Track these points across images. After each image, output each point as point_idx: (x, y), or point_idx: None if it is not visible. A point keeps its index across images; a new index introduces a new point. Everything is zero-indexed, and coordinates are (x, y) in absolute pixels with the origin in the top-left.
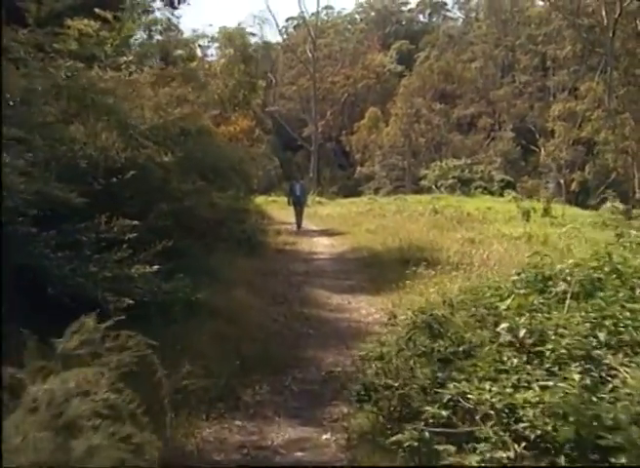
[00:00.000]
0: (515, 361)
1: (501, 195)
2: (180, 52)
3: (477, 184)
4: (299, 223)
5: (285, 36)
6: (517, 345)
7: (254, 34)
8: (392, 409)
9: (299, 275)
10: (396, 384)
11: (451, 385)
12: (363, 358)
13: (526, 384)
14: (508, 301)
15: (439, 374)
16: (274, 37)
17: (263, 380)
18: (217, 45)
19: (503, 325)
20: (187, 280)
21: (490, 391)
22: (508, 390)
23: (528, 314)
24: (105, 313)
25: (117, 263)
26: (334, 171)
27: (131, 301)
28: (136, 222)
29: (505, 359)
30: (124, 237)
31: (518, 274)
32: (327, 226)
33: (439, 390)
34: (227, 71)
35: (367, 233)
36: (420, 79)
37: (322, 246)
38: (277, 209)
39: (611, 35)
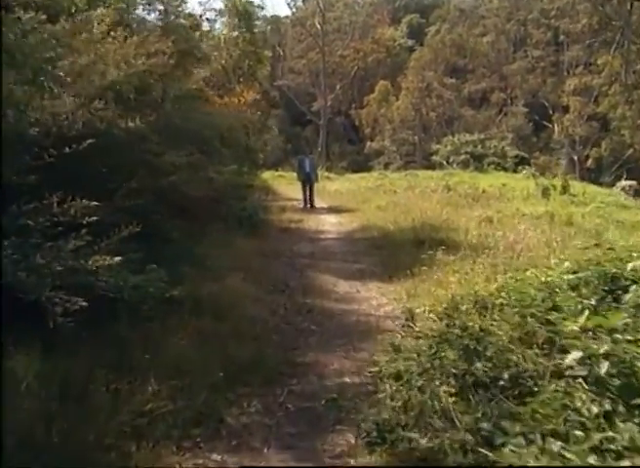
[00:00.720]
0: (594, 409)
1: (515, 171)
2: (181, 21)
3: (490, 160)
4: (311, 201)
5: (294, 9)
6: (596, 385)
7: (262, 7)
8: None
9: (303, 257)
10: (420, 434)
11: (505, 449)
12: (376, 375)
13: (613, 447)
14: (581, 320)
15: (483, 424)
16: (283, 11)
17: (253, 395)
18: (224, 19)
19: (575, 354)
20: (163, 271)
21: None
22: (593, 460)
23: (608, 337)
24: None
25: (72, 253)
26: (343, 146)
27: (84, 303)
28: (95, 203)
29: (579, 404)
30: (83, 221)
31: (574, 272)
32: (335, 203)
33: (486, 452)
34: (232, 41)
35: (377, 210)
36: (431, 52)
37: (329, 224)
38: (284, 184)
39: (629, 7)
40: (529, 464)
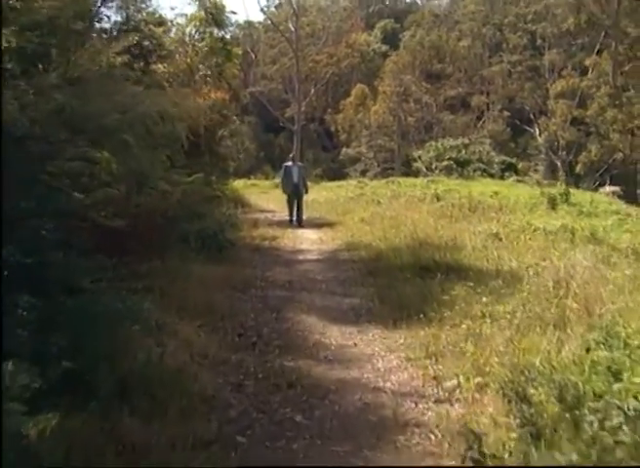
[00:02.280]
0: None
1: (502, 178)
2: (143, 15)
3: (476, 166)
4: (298, 217)
5: (268, 14)
6: None
7: (235, 12)
8: None
9: (279, 288)
10: None
11: None
12: None
13: None
14: None
15: None
16: (256, 17)
17: None
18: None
19: None
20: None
21: None
22: None
23: None
24: None
25: None
26: (317, 153)
27: None
28: None
29: None
30: None
31: None
32: (313, 215)
33: None
34: (198, 36)
35: (361, 224)
36: (409, 54)
37: (308, 241)
38: (257, 193)
39: (616, 6)
40: None
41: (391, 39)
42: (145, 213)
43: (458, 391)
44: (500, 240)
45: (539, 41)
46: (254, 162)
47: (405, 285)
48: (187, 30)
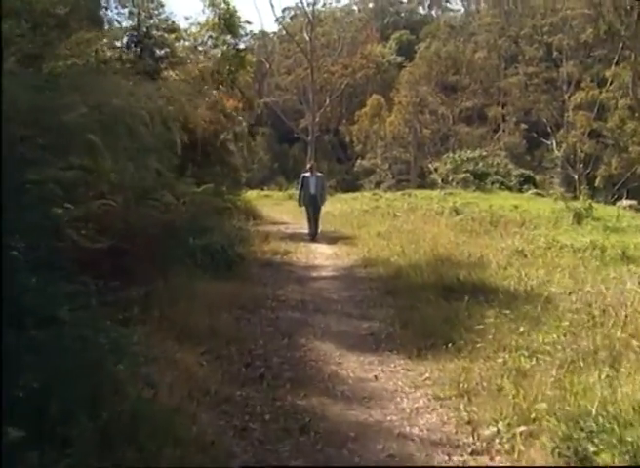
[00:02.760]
0: None
1: (520, 191)
2: (155, 21)
3: (494, 179)
4: (313, 231)
5: (282, 25)
6: None
7: (249, 22)
8: None
9: (291, 309)
10: None
11: None
12: None
13: None
14: None
15: None
16: (271, 28)
17: None
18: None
19: None
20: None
21: None
22: None
23: None
24: None
25: None
26: (331, 164)
27: None
28: None
29: None
30: None
31: None
32: (327, 228)
33: None
34: (211, 42)
35: (378, 238)
36: (425, 65)
37: (323, 256)
38: (270, 204)
39: (636, 17)
40: None
41: (406, 50)
42: (145, 227)
43: (497, 441)
44: (526, 257)
45: (555, 53)
46: (267, 173)
47: (428, 307)
48: (200, 37)
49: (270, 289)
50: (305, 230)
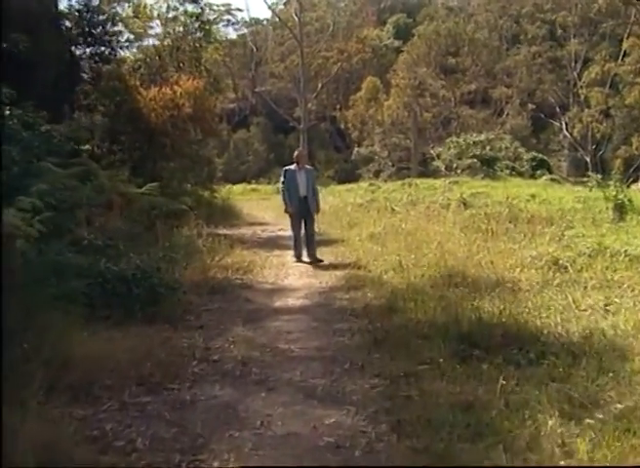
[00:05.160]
0: None
1: (533, 177)
2: None
3: (503, 164)
4: (299, 252)
5: (275, 10)
6: None
7: (240, 10)
8: None
9: (220, 378)
10: None
11: None
12: None
13: None
14: None
15: None
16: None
17: None
18: None
19: None
20: None
21: None
22: None
23: None
24: None
25: None
26: (329, 153)
27: None
28: None
29: None
30: None
31: None
32: None
33: None
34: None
35: (370, 242)
36: (425, 44)
37: (297, 271)
38: (256, 199)
39: None
40: None
41: (404, 34)
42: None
43: None
44: (566, 270)
45: (559, 31)
46: (263, 164)
47: (434, 381)
48: (157, 9)
49: (204, 336)
50: (287, 232)
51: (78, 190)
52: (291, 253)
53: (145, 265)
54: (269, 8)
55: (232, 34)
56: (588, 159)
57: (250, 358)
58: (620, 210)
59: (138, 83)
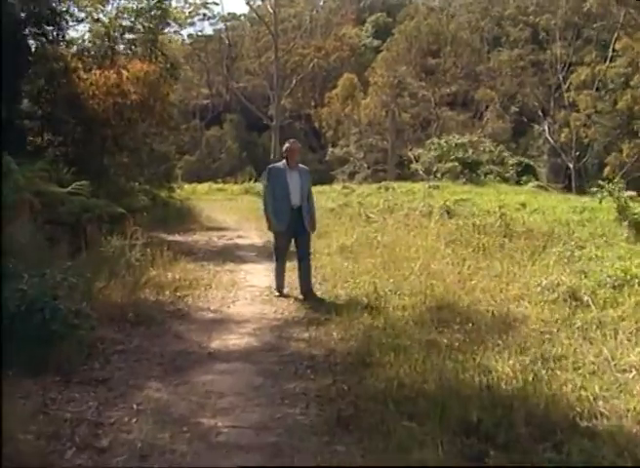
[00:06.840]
0: None
1: (519, 183)
2: None
3: (487, 169)
4: (304, 284)
5: (252, 5)
6: None
7: (217, 3)
8: None
9: None
10: None
11: None
12: None
13: None
14: None
15: None
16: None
17: None
18: None
19: None
20: None
21: None
22: None
23: None
24: None
25: None
26: (303, 153)
27: None
28: None
29: None
30: None
31: None
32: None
33: None
34: None
35: (340, 257)
36: (405, 40)
37: (249, 295)
38: (221, 199)
39: None
40: None
41: (383, 34)
42: None
43: None
44: (588, 306)
45: (542, 34)
46: (236, 162)
47: None
48: None
49: (101, 401)
50: (247, 240)
51: None
52: (247, 267)
53: (37, 292)
54: (247, 3)
55: (208, 29)
56: (571, 165)
57: (154, 446)
58: (636, 226)
59: (80, 65)
